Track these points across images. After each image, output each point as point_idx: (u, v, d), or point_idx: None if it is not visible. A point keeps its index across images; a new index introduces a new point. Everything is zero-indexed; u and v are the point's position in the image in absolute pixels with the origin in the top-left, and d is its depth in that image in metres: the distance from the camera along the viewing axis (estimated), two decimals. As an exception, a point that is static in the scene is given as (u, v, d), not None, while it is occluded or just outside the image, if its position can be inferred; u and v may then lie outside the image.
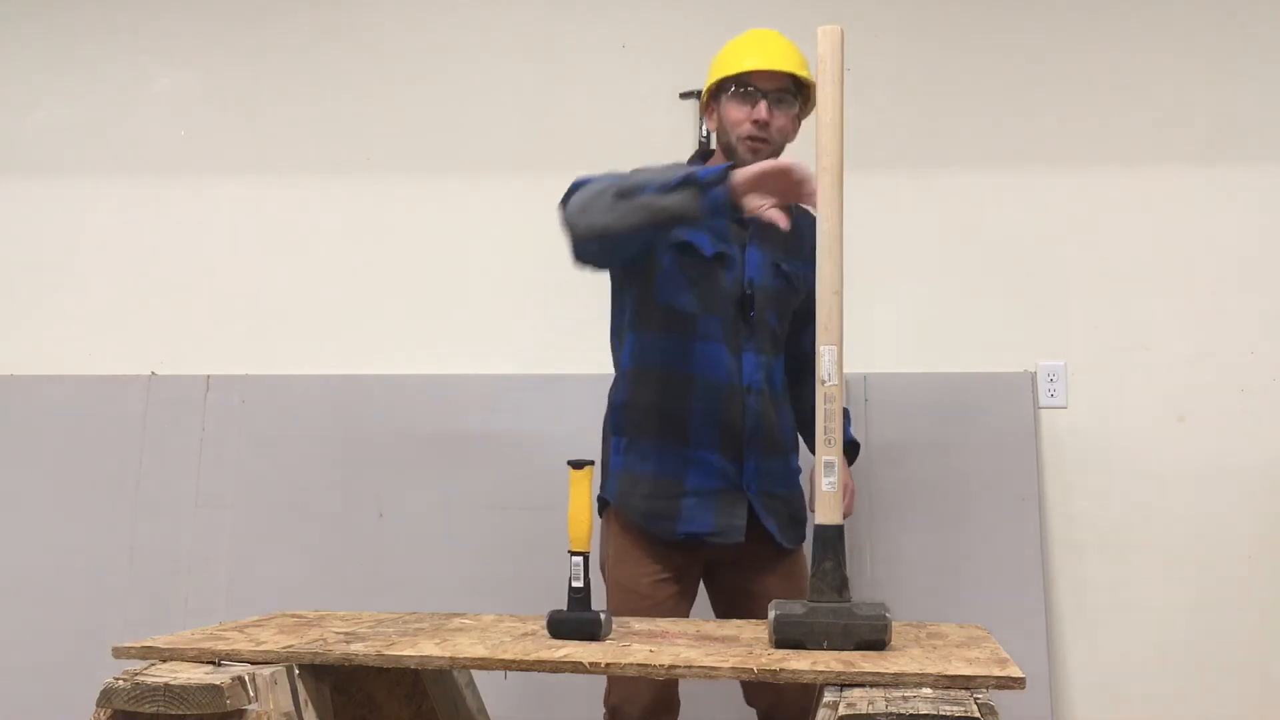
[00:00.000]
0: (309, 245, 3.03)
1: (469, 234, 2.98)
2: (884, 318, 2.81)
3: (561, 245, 2.53)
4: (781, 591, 2.02)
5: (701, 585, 2.19)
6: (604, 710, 2.07)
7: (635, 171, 1.91)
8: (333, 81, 3.09)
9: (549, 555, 2.61)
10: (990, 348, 2.76)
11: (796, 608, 1.55)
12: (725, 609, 2.17)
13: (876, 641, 1.52)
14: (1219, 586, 2.63)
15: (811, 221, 2.20)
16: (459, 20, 3.08)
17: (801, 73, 2.11)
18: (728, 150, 2.12)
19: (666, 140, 2.94)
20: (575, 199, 1.95)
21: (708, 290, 2.08)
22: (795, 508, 2.16)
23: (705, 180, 1.76)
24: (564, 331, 2.89)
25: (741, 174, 1.73)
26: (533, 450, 2.78)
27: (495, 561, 2.73)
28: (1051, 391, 2.74)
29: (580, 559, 1.67)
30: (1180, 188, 2.80)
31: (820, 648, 1.52)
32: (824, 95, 1.66)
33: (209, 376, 2.94)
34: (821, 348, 1.61)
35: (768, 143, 2.08)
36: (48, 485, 2.90)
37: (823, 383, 1.60)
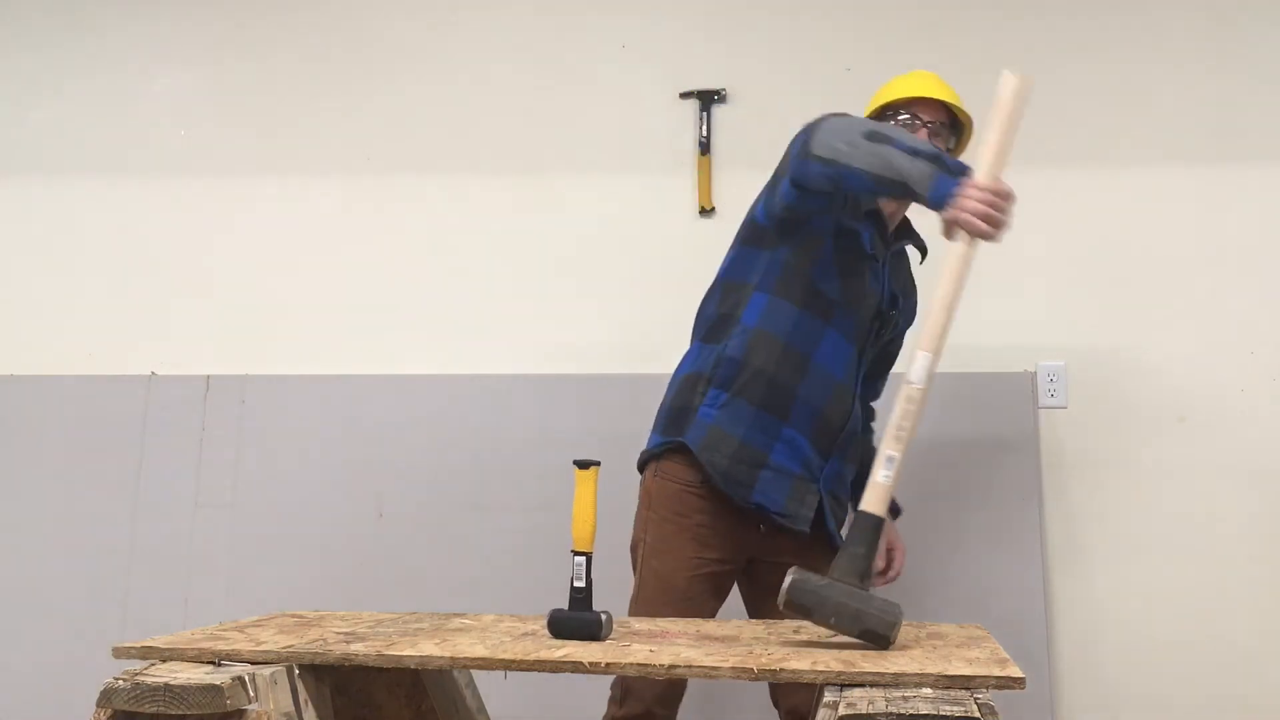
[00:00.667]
0: (309, 245, 3.03)
1: (469, 234, 2.98)
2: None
3: (559, 246, 2.55)
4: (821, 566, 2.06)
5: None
6: (613, 692, 2.09)
7: (892, 126, 1.96)
8: (333, 81, 3.09)
9: (549, 555, 2.62)
10: (990, 348, 2.76)
11: (816, 578, 1.55)
12: (760, 597, 2.16)
13: (882, 636, 1.51)
14: (1219, 586, 2.63)
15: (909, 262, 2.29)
16: (459, 20, 3.08)
17: (960, 105, 2.17)
18: None
19: (666, 140, 2.95)
20: (834, 121, 1.96)
21: (854, 286, 2.10)
22: (846, 512, 2.18)
23: (950, 165, 1.78)
24: (564, 332, 2.89)
25: (981, 181, 1.72)
26: (533, 450, 2.78)
27: (495, 561, 2.73)
28: (1051, 391, 2.74)
29: (583, 559, 1.67)
30: (1180, 188, 2.80)
31: (826, 622, 1.52)
32: (994, 137, 1.74)
33: (209, 376, 2.94)
34: (919, 353, 1.66)
35: None
36: (48, 485, 2.90)
37: (909, 384, 1.65)
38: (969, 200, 1.70)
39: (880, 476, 1.61)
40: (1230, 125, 2.81)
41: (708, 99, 2.93)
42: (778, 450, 2.05)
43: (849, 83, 2.92)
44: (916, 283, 2.32)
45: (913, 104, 2.16)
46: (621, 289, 2.89)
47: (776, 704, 2.16)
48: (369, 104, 3.07)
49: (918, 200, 1.83)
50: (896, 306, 2.22)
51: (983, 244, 1.73)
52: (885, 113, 2.20)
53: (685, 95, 2.94)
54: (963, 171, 1.76)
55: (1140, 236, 2.79)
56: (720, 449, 2.05)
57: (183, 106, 3.14)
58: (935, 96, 2.16)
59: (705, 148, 2.90)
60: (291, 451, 2.87)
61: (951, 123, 2.19)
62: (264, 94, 3.11)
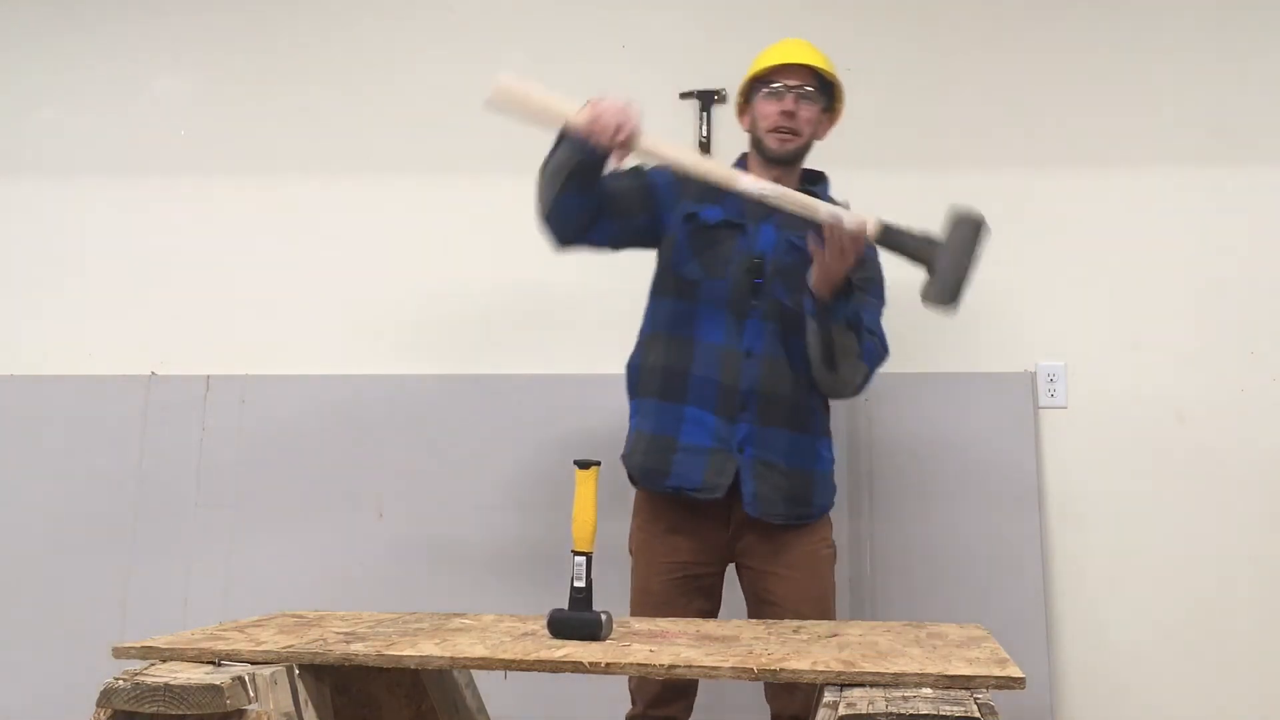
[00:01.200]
0: (309, 245, 3.03)
1: (468, 234, 2.98)
2: (883, 317, 2.80)
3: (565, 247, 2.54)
4: (787, 573, 2.11)
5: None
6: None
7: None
8: (332, 81, 3.09)
9: (549, 555, 2.62)
10: (990, 348, 2.76)
11: (929, 281, 1.95)
12: (750, 600, 2.21)
13: (975, 220, 2.01)
14: (1219, 586, 2.63)
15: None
16: (459, 21, 3.08)
17: (825, 67, 2.24)
18: (758, 145, 2.24)
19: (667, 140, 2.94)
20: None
21: (714, 258, 2.18)
22: (797, 487, 2.15)
23: (568, 131, 2.02)
24: (564, 332, 2.89)
25: (576, 123, 1.98)
26: (533, 450, 2.78)
27: (495, 561, 2.73)
28: (1051, 391, 2.74)
29: (583, 559, 1.67)
30: (1180, 188, 2.80)
31: (971, 265, 1.98)
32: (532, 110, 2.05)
33: (209, 376, 2.94)
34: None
35: (796, 134, 2.21)
36: (48, 485, 2.90)
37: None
38: (592, 138, 1.96)
39: (850, 223, 1.96)
40: (1230, 126, 2.81)
41: (708, 99, 2.93)
42: (685, 431, 2.14)
43: (849, 82, 2.90)
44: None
45: (777, 73, 2.23)
46: (622, 288, 2.88)
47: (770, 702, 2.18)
48: (369, 104, 3.06)
49: (597, 164, 2.02)
50: (797, 252, 2.17)
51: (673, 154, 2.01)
52: (754, 85, 2.25)
53: (685, 95, 2.94)
54: (574, 128, 2.00)
55: (1140, 236, 2.79)
56: (637, 448, 2.19)
57: (183, 106, 3.13)
58: (795, 61, 2.22)
59: (705, 148, 2.90)
60: (291, 451, 2.86)
61: (820, 85, 2.24)
62: (264, 94, 3.11)
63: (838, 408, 2.56)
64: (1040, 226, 2.82)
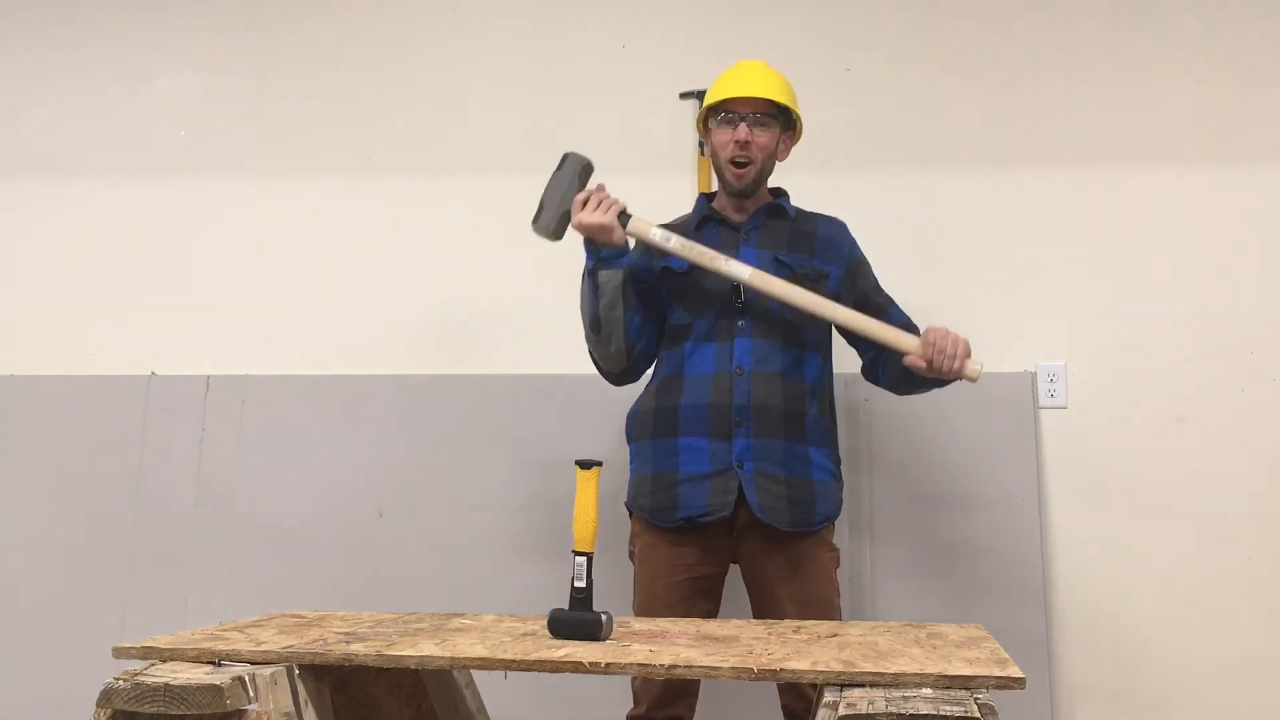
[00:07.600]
0: (309, 245, 3.03)
1: (469, 234, 2.98)
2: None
3: (559, 246, 2.55)
4: (790, 576, 2.12)
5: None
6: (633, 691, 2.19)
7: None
8: (333, 82, 3.09)
9: (549, 555, 2.63)
10: (990, 348, 2.75)
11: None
12: (754, 603, 2.23)
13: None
14: (1218, 586, 2.63)
15: (819, 221, 2.34)
16: (459, 21, 3.08)
17: (779, 98, 2.25)
18: (719, 172, 2.30)
19: (666, 140, 2.95)
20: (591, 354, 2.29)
21: (696, 298, 2.23)
22: (798, 495, 2.15)
23: (588, 266, 2.21)
24: (564, 331, 2.89)
25: (579, 219, 2.19)
26: (532, 450, 2.78)
27: (495, 561, 2.74)
28: (1051, 391, 2.74)
29: (584, 559, 1.67)
30: (1180, 188, 2.80)
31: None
32: None
33: (209, 376, 2.94)
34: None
35: (751, 162, 2.25)
36: (48, 485, 2.90)
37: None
38: (587, 229, 2.17)
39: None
40: (1230, 125, 2.81)
41: (708, 99, 2.93)
42: (683, 462, 2.18)
43: (849, 83, 2.92)
44: (833, 231, 2.34)
45: (727, 103, 2.26)
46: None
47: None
48: (369, 104, 3.07)
49: (605, 268, 2.19)
50: (784, 268, 2.23)
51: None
52: (710, 115, 2.29)
53: (685, 95, 2.94)
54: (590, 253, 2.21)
55: (1140, 236, 2.79)
56: (641, 492, 2.23)
57: (183, 106, 3.14)
58: (746, 95, 2.24)
59: (705, 148, 2.90)
60: (291, 451, 2.86)
61: (777, 108, 2.26)
62: (264, 94, 3.11)
63: (837, 409, 2.55)
64: (1040, 226, 2.82)
